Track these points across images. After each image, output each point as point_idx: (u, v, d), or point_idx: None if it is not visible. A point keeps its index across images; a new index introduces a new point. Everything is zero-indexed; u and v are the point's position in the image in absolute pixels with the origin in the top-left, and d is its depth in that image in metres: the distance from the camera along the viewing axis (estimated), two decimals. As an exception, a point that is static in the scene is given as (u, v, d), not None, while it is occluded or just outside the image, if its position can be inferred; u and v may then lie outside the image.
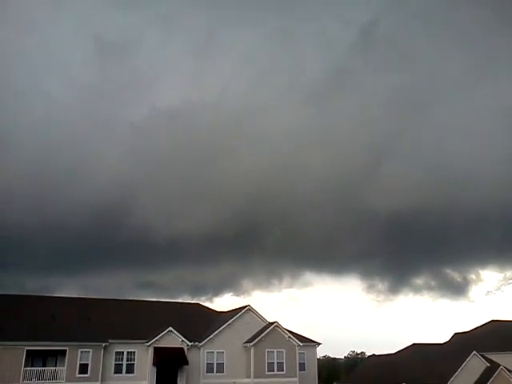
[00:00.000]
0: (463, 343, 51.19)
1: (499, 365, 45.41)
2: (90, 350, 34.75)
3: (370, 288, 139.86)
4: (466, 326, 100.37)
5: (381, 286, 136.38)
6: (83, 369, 34.28)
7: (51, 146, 74.35)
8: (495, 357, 47.13)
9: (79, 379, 33.84)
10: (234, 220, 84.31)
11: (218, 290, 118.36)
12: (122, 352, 36.09)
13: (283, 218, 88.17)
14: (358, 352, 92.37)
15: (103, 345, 35.11)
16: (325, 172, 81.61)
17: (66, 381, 33.46)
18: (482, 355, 46.07)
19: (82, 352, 34.53)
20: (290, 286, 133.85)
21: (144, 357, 36.18)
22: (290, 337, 39.98)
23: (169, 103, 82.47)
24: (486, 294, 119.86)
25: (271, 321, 40.84)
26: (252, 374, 37.86)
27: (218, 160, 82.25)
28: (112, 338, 35.77)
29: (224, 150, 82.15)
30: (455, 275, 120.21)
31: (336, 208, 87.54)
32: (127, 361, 36.05)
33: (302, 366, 41.53)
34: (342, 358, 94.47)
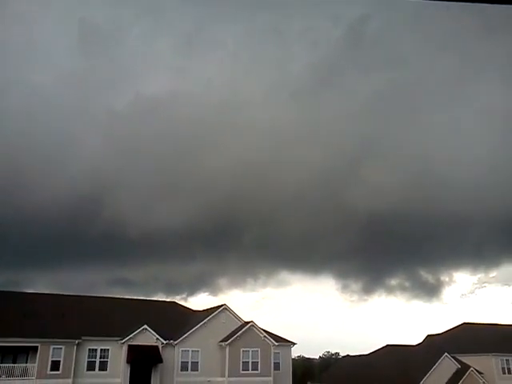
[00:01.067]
0: (435, 345, 52.06)
1: (470, 366, 46.39)
2: (63, 347, 34.23)
3: (345, 288, 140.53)
4: (440, 328, 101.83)
5: (355, 286, 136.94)
6: (55, 366, 33.75)
7: (27, 133, 71.48)
8: (466, 359, 48.12)
9: (51, 376, 33.30)
10: (211, 215, 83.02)
11: (193, 289, 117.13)
12: (96, 349, 35.66)
13: (262, 215, 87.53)
14: (333, 352, 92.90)
15: (76, 342, 34.63)
16: (307, 169, 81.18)
17: (37, 377, 32.89)
18: (453, 357, 46.97)
19: (54, 349, 33.98)
20: (267, 286, 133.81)
21: (118, 354, 35.81)
22: (265, 336, 40.05)
23: (152, 92, 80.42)
24: (461, 297, 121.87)
25: (247, 320, 40.86)
26: (226, 373, 37.82)
27: (198, 152, 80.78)
28: (85, 335, 35.30)
29: (206, 143, 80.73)
30: (429, 277, 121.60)
31: (316, 206, 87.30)
32: (100, 358, 35.63)
33: (276, 366, 41.65)
34: (317, 358, 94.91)
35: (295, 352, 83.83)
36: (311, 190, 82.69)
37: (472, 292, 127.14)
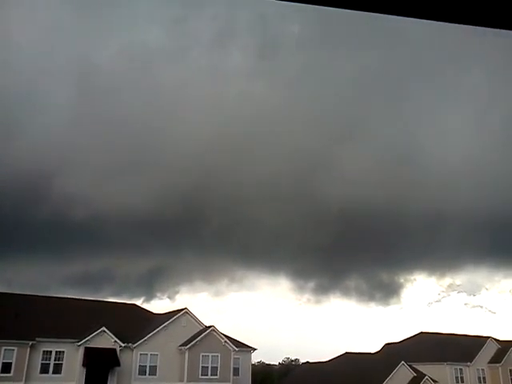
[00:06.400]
0: (393, 353, 53.01)
1: (425, 375, 47.52)
2: (15, 348, 33.08)
3: (301, 289, 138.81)
4: (401, 334, 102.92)
5: (315, 289, 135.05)
6: (6, 368, 32.57)
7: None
8: (422, 367, 49.26)
9: (1, 379, 32.07)
10: (171, 202, 76.88)
11: (150, 293, 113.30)
12: (50, 351, 34.60)
13: (228, 202, 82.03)
14: (293, 359, 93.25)
15: (30, 343, 33.50)
16: (281, 154, 77.04)
17: (-13, 380, 31.69)
18: (409, 365, 48.00)
19: (5, 350, 32.80)
20: (229, 289, 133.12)
21: (74, 357, 34.86)
22: (226, 341, 39.81)
23: (139, 45, 73.68)
24: (428, 305, 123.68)
25: (208, 325, 40.55)
26: (185, 378, 37.37)
27: (174, 123, 74.39)
28: (40, 337, 34.20)
29: (183, 112, 74.89)
30: (393, 281, 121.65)
31: (285, 196, 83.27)
32: (55, 360, 34.60)
33: (236, 371, 41.43)
34: (277, 364, 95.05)
35: (255, 358, 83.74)
36: (282, 177, 78.59)
37: (438, 301, 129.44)
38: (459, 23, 1.99)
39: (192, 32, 79.34)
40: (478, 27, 2.02)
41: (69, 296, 45.08)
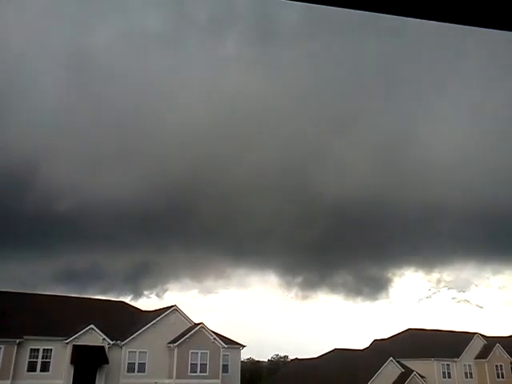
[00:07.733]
0: (381, 350, 53.38)
1: (412, 370, 47.95)
2: (2, 347, 32.74)
3: (289, 285, 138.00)
4: (390, 330, 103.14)
5: (303, 284, 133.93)
6: (-7, 366, 32.23)
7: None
8: (410, 363, 49.67)
9: (-13, 377, 31.80)
10: (160, 196, 73.99)
11: (139, 290, 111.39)
12: (38, 349, 34.30)
13: (219, 198, 79.36)
14: (282, 355, 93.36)
15: (17, 341, 33.18)
16: (274, 147, 75.07)
17: (-27, 378, 31.36)
18: (397, 361, 48.38)
19: (-8, 348, 32.48)
20: (217, 286, 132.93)
21: (62, 355, 34.60)
22: (215, 338, 39.80)
23: (133, 33, 70.05)
24: (418, 302, 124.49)
25: (197, 322, 40.49)
26: (174, 375, 37.30)
27: (167, 111, 70.24)
28: (27, 334, 33.89)
29: (177, 100, 71.66)
30: (381, 277, 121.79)
31: (276, 192, 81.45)
32: (43, 358, 34.30)
33: (225, 368, 41.44)
34: (266, 361, 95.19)
35: (245, 354, 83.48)
36: (273, 173, 76.78)
37: (429, 297, 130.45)
38: (455, 23, 2.03)
39: (189, 18, 77.16)
40: (474, 25, 2.06)
41: (56, 293, 44.74)
